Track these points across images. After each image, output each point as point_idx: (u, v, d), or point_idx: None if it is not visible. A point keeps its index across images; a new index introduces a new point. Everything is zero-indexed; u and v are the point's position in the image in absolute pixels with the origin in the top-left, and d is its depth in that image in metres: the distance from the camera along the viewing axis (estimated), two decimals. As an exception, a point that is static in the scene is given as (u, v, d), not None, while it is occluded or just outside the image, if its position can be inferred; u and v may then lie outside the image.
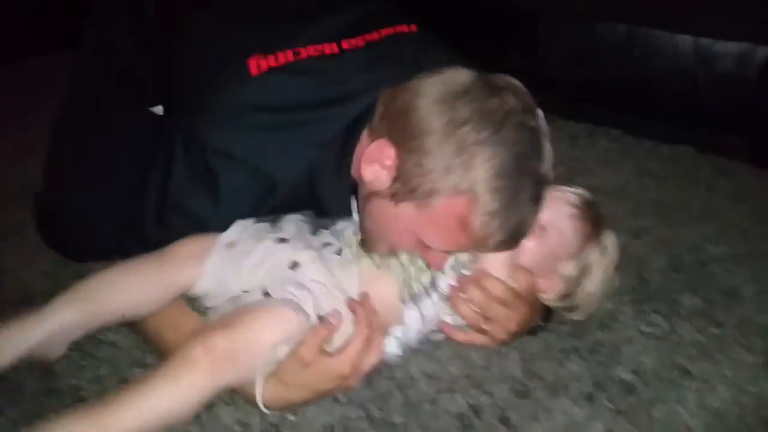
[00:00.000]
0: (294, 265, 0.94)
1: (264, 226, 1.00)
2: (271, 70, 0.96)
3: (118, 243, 1.14)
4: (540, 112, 0.93)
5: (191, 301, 0.99)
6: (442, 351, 1.03)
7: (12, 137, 1.64)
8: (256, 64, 0.96)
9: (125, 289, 0.94)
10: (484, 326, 0.98)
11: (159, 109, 1.23)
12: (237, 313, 0.88)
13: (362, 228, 1.00)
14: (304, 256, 0.95)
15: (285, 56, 0.97)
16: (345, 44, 1.02)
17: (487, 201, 0.86)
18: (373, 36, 1.05)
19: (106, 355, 1.01)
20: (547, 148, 0.92)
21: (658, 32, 1.68)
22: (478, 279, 0.96)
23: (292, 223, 1.02)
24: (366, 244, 0.99)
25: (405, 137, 0.89)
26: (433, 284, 0.99)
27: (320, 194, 1.02)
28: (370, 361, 0.91)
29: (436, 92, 0.89)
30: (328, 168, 0.99)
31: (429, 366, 1.01)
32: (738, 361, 1.04)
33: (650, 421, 0.93)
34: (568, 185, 1.07)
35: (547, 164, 0.92)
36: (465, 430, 0.91)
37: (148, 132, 1.18)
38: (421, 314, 0.98)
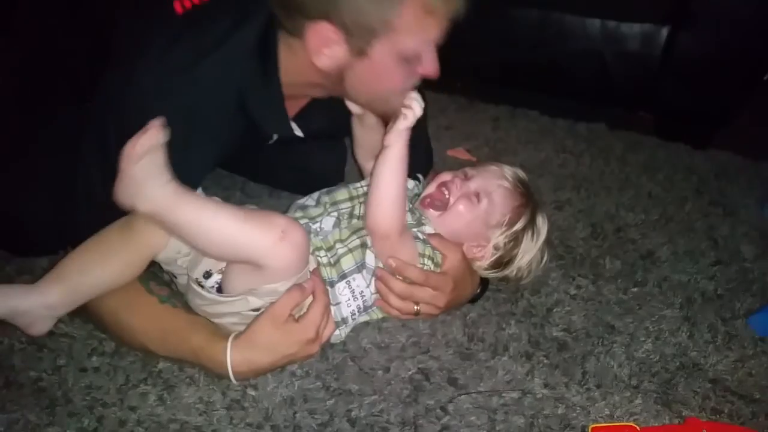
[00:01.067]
0: None
1: None
2: (195, 8, 0.97)
3: (58, 235, 1.13)
4: None
5: (146, 284, 0.98)
6: (390, 322, 1.07)
7: None
8: (180, 3, 0.97)
9: (98, 266, 0.94)
10: (417, 309, 1.04)
11: None
12: None
13: (362, 105, 1.05)
14: None
15: None
16: None
17: None
18: None
19: (63, 346, 0.98)
20: None
21: (568, 16, 1.77)
22: (398, 270, 1.01)
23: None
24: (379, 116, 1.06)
25: (321, 6, 0.90)
26: (362, 263, 1.02)
27: (254, 115, 1.02)
28: (329, 327, 0.96)
29: None
30: (256, 86, 0.99)
31: (378, 337, 1.04)
32: (659, 316, 1.13)
33: (583, 373, 1.01)
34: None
35: None
36: (417, 392, 0.95)
37: (80, 122, 1.15)
38: (352, 291, 1.01)
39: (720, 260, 1.29)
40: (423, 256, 1.02)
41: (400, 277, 1.01)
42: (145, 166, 0.84)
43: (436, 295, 1.03)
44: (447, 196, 1.07)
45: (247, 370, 0.92)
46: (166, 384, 0.94)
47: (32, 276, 1.11)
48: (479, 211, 1.06)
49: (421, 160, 1.25)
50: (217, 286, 0.94)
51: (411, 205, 1.07)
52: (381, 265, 1.01)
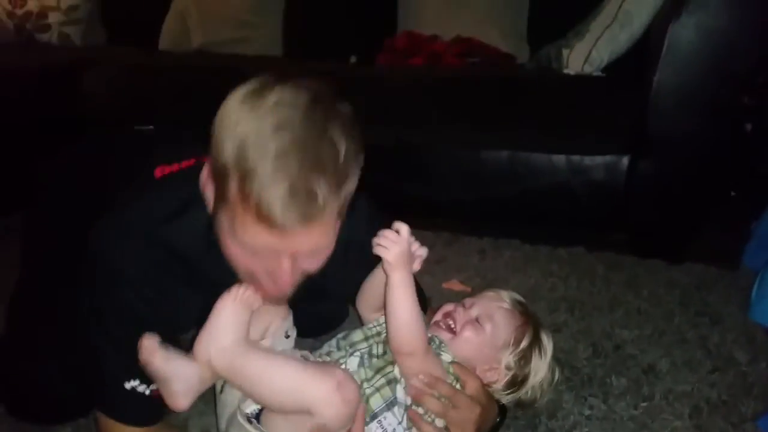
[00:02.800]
0: None
1: None
2: (172, 174, 1.05)
3: (80, 404, 1.15)
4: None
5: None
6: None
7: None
8: (161, 171, 1.05)
9: None
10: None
11: None
12: None
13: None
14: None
15: (188, 163, 1.06)
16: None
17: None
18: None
19: None
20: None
21: (534, 155, 1.93)
22: (429, 385, 1.04)
23: None
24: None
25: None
26: (391, 399, 1.06)
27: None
28: None
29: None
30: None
31: (410, 478, 1.06)
32: (671, 427, 1.18)
33: (614, 492, 1.03)
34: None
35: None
36: None
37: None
38: (384, 429, 1.04)
39: (717, 368, 1.35)
40: (449, 373, 1.07)
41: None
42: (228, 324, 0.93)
43: (467, 417, 1.05)
44: (453, 326, 1.14)
45: None
46: None
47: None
48: (485, 335, 1.12)
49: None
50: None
51: (430, 335, 1.13)
52: (411, 404, 1.05)
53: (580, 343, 1.45)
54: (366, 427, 1.02)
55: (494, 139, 1.98)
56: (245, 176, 0.81)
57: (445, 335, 1.14)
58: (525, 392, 1.15)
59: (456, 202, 2.08)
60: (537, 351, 1.15)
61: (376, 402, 1.03)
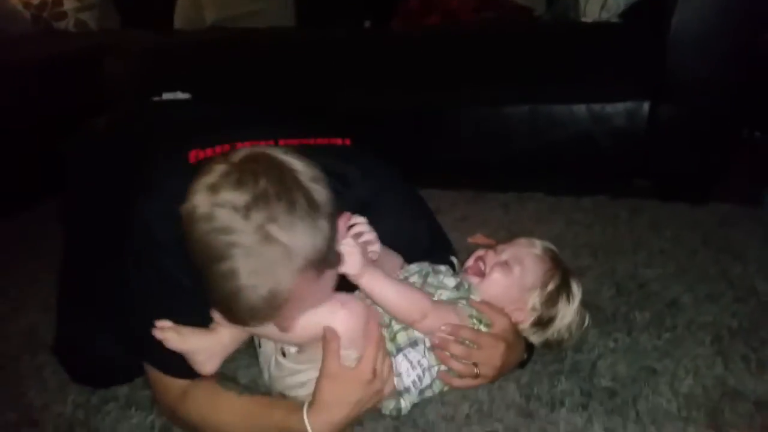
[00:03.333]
0: None
1: None
2: (207, 159, 1.04)
3: (132, 368, 1.25)
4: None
5: (222, 384, 1.12)
6: (451, 395, 1.16)
7: (2, 295, 1.70)
8: (195, 155, 1.07)
9: None
10: (476, 371, 1.14)
11: None
12: None
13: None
14: None
15: (222, 149, 1.07)
16: (281, 142, 1.12)
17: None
18: (309, 141, 1.17)
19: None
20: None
21: (556, 106, 1.96)
22: (451, 333, 1.11)
23: None
24: None
25: None
26: (414, 339, 1.13)
27: None
28: (386, 363, 1.05)
29: None
30: None
31: (443, 409, 1.14)
32: (694, 355, 1.23)
33: (637, 413, 1.09)
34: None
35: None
36: (489, 454, 1.04)
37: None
38: (410, 362, 1.11)
39: (738, 298, 1.40)
40: (471, 317, 1.14)
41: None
42: None
43: (492, 354, 1.13)
44: (483, 268, 1.21)
45: (328, 429, 1.02)
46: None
47: (117, 402, 1.23)
48: (513, 276, 1.19)
49: (443, 250, 1.36)
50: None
51: (458, 280, 1.20)
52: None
53: (604, 285, 1.50)
54: (393, 359, 1.10)
55: (514, 94, 2.01)
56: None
57: (474, 278, 1.21)
58: (552, 333, 1.21)
59: (479, 160, 2.12)
60: (564, 295, 1.21)
61: (401, 338, 1.11)
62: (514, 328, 1.19)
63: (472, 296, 1.17)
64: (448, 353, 1.12)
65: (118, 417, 1.20)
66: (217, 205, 0.85)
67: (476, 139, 2.10)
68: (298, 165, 0.90)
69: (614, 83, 1.91)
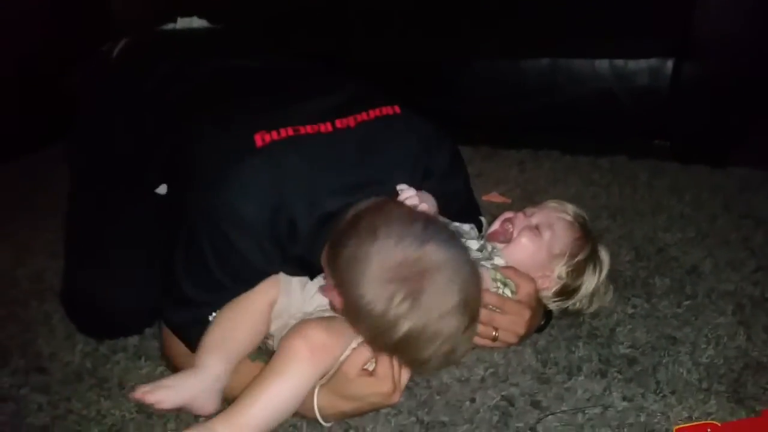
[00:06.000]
0: None
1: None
2: (274, 143, 1.05)
3: (142, 318, 1.24)
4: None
5: None
6: (466, 357, 1.14)
7: (9, 239, 1.67)
8: (261, 138, 1.05)
9: (240, 325, 1.05)
10: (495, 335, 1.11)
11: (162, 189, 1.28)
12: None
13: None
14: None
15: (286, 131, 1.06)
16: (338, 123, 1.11)
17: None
18: (363, 116, 1.13)
19: (170, 413, 1.06)
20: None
21: (577, 60, 1.90)
22: None
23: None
24: None
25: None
26: None
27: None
28: (404, 375, 1.00)
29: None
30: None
31: (457, 372, 1.12)
32: (714, 324, 1.20)
33: (657, 382, 1.07)
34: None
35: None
36: (505, 417, 1.02)
37: (152, 211, 1.26)
38: None
39: (760, 267, 1.37)
40: (495, 280, 1.10)
41: None
42: None
43: (515, 320, 1.10)
44: (510, 231, 1.17)
45: (333, 413, 0.99)
46: (274, 432, 1.02)
47: (126, 353, 1.21)
48: (542, 242, 1.15)
49: (475, 211, 1.34)
50: None
51: (482, 242, 1.16)
52: None
53: (622, 248, 1.47)
54: None
55: (534, 47, 1.96)
56: None
57: (500, 242, 1.17)
58: (573, 303, 1.19)
59: (496, 115, 2.07)
60: (592, 266, 1.18)
61: None
62: (537, 294, 1.16)
63: (496, 258, 1.14)
64: None
65: (128, 367, 1.18)
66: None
67: (493, 93, 2.05)
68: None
69: (638, 39, 1.85)
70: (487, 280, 1.10)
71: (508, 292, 1.11)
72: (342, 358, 0.98)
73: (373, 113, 1.14)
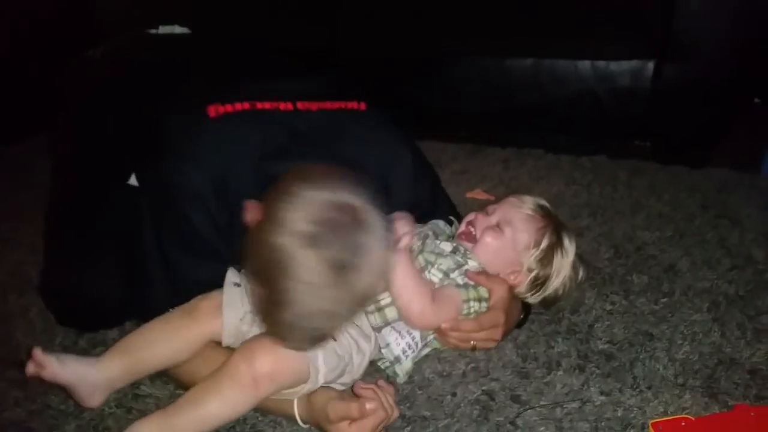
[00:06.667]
0: None
1: None
2: (228, 114, 1.08)
3: (126, 309, 1.23)
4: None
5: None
6: (448, 352, 1.16)
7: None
8: (215, 110, 1.08)
9: (160, 344, 1.03)
10: (473, 344, 1.14)
11: (134, 180, 1.27)
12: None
13: None
14: None
15: (242, 105, 1.09)
16: (299, 105, 1.14)
17: None
18: (326, 105, 1.16)
19: (150, 407, 1.06)
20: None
21: (560, 61, 1.92)
22: (453, 330, 1.10)
23: None
24: None
25: None
26: None
27: None
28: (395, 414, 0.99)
29: None
30: None
31: (439, 366, 1.13)
32: (690, 321, 1.23)
33: (634, 378, 1.09)
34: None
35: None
36: (485, 411, 1.03)
37: (130, 202, 1.25)
38: (399, 332, 1.09)
39: (735, 266, 1.39)
40: (468, 300, 1.11)
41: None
42: None
43: (492, 332, 1.13)
44: (473, 233, 1.19)
45: (314, 422, 1.00)
46: (254, 429, 1.02)
47: (106, 347, 1.20)
48: (505, 239, 1.17)
49: (445, 209, 1.35)
50: None
51: (455, 244, 1.17)
52: None
53: (602, 246, 1.49)
54: (381, 332, 1.08)
55: (518, 46, 1.97)
56: None
57: (468, 243, 1.19)
58: (548, 293, 1.20)
59: (480, 112, 2.09)
60: (558, 251, 1.19)
61: (391, 313, 1.08)
62: (511, 292, 1.18)
63: (469, 260, 1.15)
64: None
65: (108, 361, 1.18)
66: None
67: (478, 90, 2.07)
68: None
69: (620, 41, 1.87)
70: (458, 307, 1.10)
71: (484, 306, 1.13)
72: (319, 380, 0.97)
73: (337, 104, 1.17)
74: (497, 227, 1.18)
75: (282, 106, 1.11)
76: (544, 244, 1.18)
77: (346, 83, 1.29)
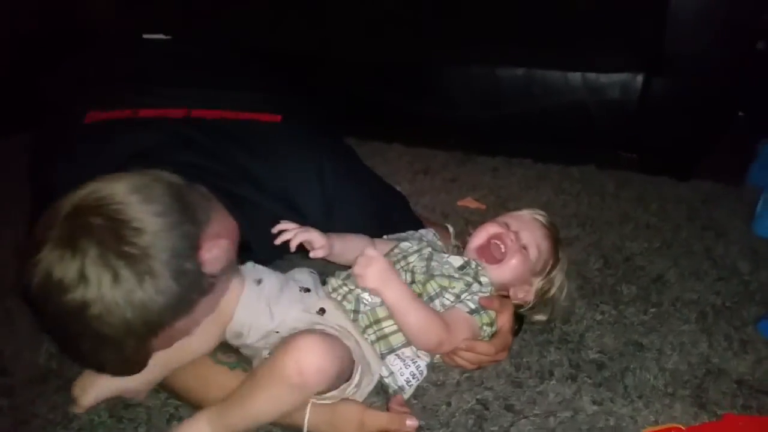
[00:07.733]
0: (322, 311, 1.06)
1: (278, 274, 1.11)
2: (102, 122, 1.10)
3: None
4: None
5: (213, 356, 1.07)
6: (442, 362, 1.17)
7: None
8: (92, 117, 1.10)
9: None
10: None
11: None
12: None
13: None
14: (328, 304, 1.08)
15: (123, 113, 1.10)
16: (195, 113, 1.12)
17: None
18: (228, 114, 1.15)
19: (141, 416, 1.06)
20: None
21: (550, 72, 1.94)
22: (470, 350, 1.11)
23: (306, 273, 1.15)
24: None
25: None
26: None
27: None
28: None
29: None
30: None
31: (434, 376, 1.15)
32: (679, 331, 1.25)
33: (625, 387, 1.12)
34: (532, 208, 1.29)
35: None
36: (480, 420, 1.05)
37: None
38: (403, 360, 1.09)
39: (721, 277, 1.42)
40: (482, 326, 1.12)
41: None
42: None
43: (501, 354, 1.15)
44: (503, 251, 1.18)
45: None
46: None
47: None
48: (530, 261, 1.19)
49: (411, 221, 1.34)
50: None
51: (465, 259, 1.17)
52: None
53: (591, 256, 1.51)
54: (385, 359, 1.08)
55: (510, 56, 1.99)
56: None
57: (483, 259, 1.18)
58: (543, 310, 1.24)
59: (470, 120, 2.10)
60: (559, 265, 1.24)
61: (396, 339, 1.08)
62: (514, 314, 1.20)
63: (481, 278, 1.15)
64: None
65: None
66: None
67: (469, 98, 2.07)
68: (137, 213, 0.87)
69: (611, 54, 1.89)
70: (476, 328, 1.11)
71: (494, 329, 1.14)
72: (348, 391, 1.00)
73: (244, 115, 1.16)
74: (524, 249, 1.19)
75: (172, 113, 1.11)
76: (553, 265, 1.22)
77: (278, 95, 1.28)
